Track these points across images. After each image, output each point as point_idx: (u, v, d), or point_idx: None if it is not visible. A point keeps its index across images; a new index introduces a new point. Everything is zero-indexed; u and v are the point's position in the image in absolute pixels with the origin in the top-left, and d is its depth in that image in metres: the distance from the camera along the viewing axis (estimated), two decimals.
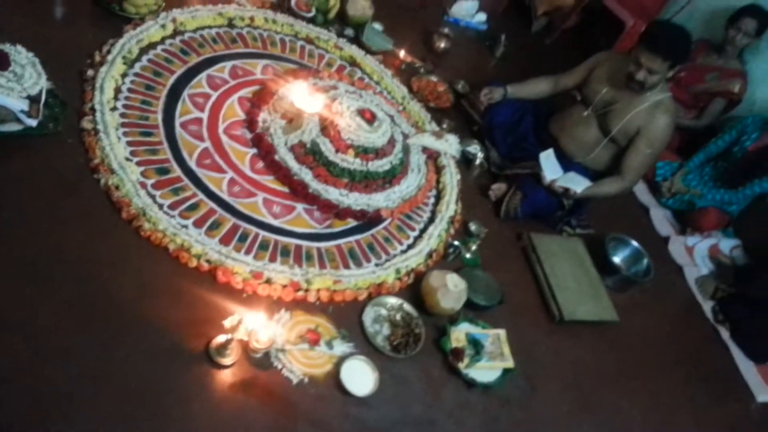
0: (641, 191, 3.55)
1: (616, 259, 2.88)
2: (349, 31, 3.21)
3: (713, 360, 2.85)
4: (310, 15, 3.07)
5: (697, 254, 3.31)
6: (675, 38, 2.50)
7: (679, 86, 3.61)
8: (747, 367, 2.88)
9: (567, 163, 2.82)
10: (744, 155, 3.39)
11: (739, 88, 3.55)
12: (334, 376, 1.87)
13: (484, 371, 2.12)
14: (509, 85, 3.01)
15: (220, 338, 1.75)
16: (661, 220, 3.45)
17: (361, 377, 1.89)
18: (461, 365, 2.08)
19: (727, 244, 3.41)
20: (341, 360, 1.90)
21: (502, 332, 2.24)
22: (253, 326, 1.76)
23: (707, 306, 3.07)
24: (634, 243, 2.93)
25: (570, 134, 2.86)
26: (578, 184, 2.66)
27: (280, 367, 1.81)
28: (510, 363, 2.17)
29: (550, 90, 3.02)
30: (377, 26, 3.30)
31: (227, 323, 1.70)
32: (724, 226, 3.47)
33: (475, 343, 2.14)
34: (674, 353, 2.74)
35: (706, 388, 2.69)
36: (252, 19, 2.86)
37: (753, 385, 2.82)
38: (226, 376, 1.74)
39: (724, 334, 2.97)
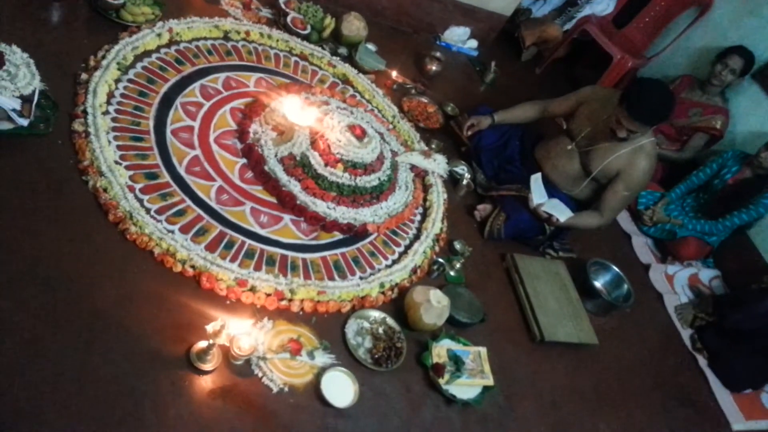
0: (624, 219, 3.60)
1: (598, 284, 2.91)
2: (343, 50, 3.26)
3: (690, 387, 2.88)
4: (305, 32, 3.11)
5: (677, 282, 3.36)
6: (656, 105, 2.51)
7: (679, 151, 3.74)
8: (723, 396, 2.91)
9: (552, 190, 2.87)
10: (724, 188, 3.48)
11: (721, 124, 3.66)
12: (315, 386, 1.87)
13: (464, 388, 2.13)
14: (496, 113, 3.07)
15: (202, 344, 1.75)
16: (642, 247, 3.50)
17: (341, 389, 1.89)
18: (441, 381, 2.08)
19: (707, 274, 3.47)
20: (322, 371, 1.90)
21: (483, 350, 2.25)
22: (235, 333, 1.76)
23: (686, 334, 3.11)
24: (616, 268, 2.98)
25: (554, 164, 2.91)
26: (561, 213, 2.69)
27: (260, 375, 1.81)
28: (490, 381, 2.18)
29: (537, 116, 3.08)
30: (371, 47, 3.36)
31: (209, 328, 1.70)
32: (705, 256, 3.53)
33: (456, 360, 2.15)
34: (652, 378, 2.77)
35: (682, 414, 2.72)
36: (248, 33, 2.90)
37: (729, 413, 2.85)
38: (205, 382, 1.73)
39: (702, 362, 3.00)
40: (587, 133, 2.77)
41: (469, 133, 3.08)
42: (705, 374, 2.95)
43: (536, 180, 2.78)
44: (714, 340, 3.03)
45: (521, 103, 3.11)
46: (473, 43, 4.07)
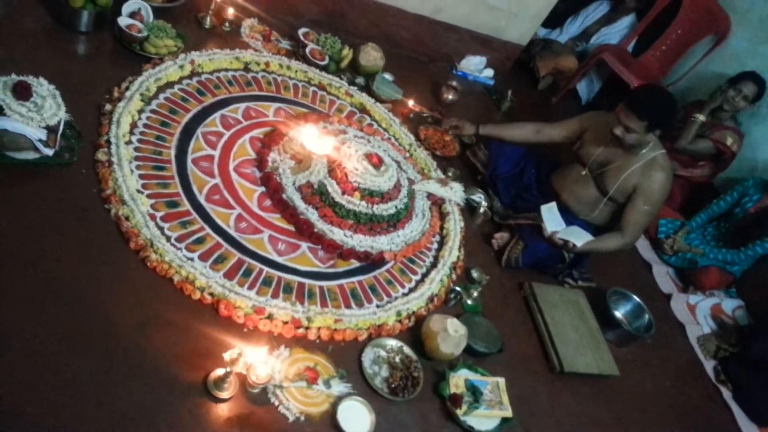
0: (644, 248, 3.56)
1: (618, 314, 2.87)
2: (361, 80, 3.31)
3: (714, 420, 2.81)
4: (323, 63, 3.17)
5: (699, 313, 3.30)
6: (654, 100, 2.56)
7: (674, 142, 3.67)
8: (749, 430, 2.83)
9: (571, 217, 2.86)
10: (745, 216, 3.44)
11: (732, 142, 3.59)
12: (331, 415, 1.85)
13: (482, 419, 2.10)
14: (482, 125, 3.10)
15: (219, 371, 1.75)
16: (663, 277, 3.45)
17: (357, 418, 1.88)
18: (459, 412, 2.05)
19: (730, 304, 3.41)
20: (338, 400, 1.89)
21: (501, 380, 2.22)
22: (252, 361, 1.76)
23: (709, 365, 3.04)
24: (636, 298, 2.94)
25: (570, 191, 2.91)
26: (579, 238, 2.68)
27: (276, 403, 1.80)
28: (508, 412, 2.15)
29: (531, 137, 3.06)
30: (388, 76, 3.40)
31: (227, 356, 1.71)
32: (727, 285, 3.48)
33: (474, 390, 2.12)
34: (674, 411, 2.71)
35: None
36: (267, 64, 2.96)
37: None
38: (222, 410, 1.72)
39: (726, 394, 2.93)
40: (597, 156, 2.78)
41: (450, 132, 3.15)
42: (729, 406, 2.88)
43: (550, 209, 2.77)
44: (738, 371, 2.97)
45: (517, 122, 3.13)
46: (489, 72, 4.11)
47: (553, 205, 2.83)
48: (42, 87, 2.00)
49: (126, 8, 2.61)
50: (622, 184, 2.71)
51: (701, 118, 3.56)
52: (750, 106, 3.59)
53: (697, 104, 3.70)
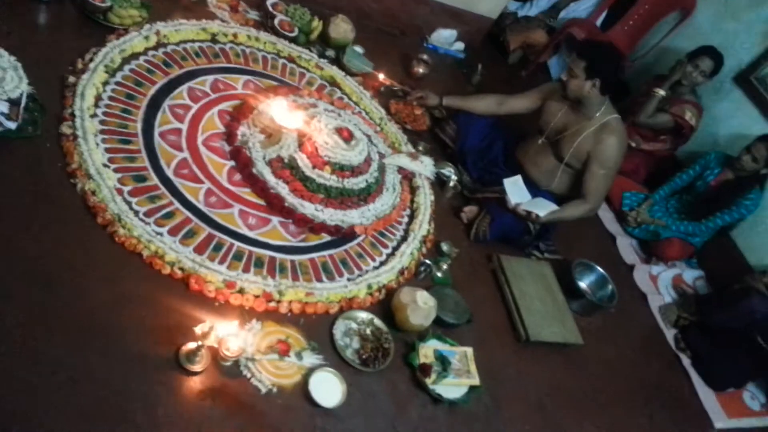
0: (608, 220, 3.65)
1: (582, 284, 2.95)
2: (331, 53, 3.27)
3: (674, 386, 2.92)
4: (292, 35, 3.13)
5: (661, 283, 3.41)
6: (596, 47, 2.72)
7: (635, 116, 3.73)
8: (706, 395, 2.96)
9: (534, 189, 2.91)
10: (706, 189, 3.54)
11: (691, 116, 3.65)
12: (303, 387, 1.88)
13: (451, 388, 2.15)
14: (446, 96, 3.13)
15: (191, 345, 1.76)
16: (627, 248, 3.55)
17: (329, 389, 1.91)
18: (428, 381, 2.10)
19: (691, 275, 3.53)
20: (310, 371, 1.92)
21: (469, 350, 2.28)
22: (223, 334, 1.77)
23: (670, 334, 3.15)
24: (600, 269, 3.01)
25: (533, 162, 2.98)
26: (542, 208, 2.74)
27: (249, 376, 1.82)
28: (476, 380, 2.21)
29: (495, 108, 3.09)
30: (358, 49, 3.38)
31: (198, 330, 1.72)
32: (688, 256, 3.59)
33: (443, 360, 2.17)
34: (636, 378, 2.81)
35: (666, 413, 2.76)
36: (235, 35, 2.91)
37: (712, 412, 2.90)
38: (194, 383, 1.74)
39: (686, 361, 3.05)
40: (555, 123, 2.86)
41: (414, 103, 3.19)
42: (688, 374, 3.00)
43: (514, 182, 2.83)
44: (697, 339, 3.08)
45: (480, 94, 3.17)
46: (460, 46, 4.11)
47: (518, 178, 2.88)
48: (2, 59, 1.96)
49: None
50: (576, 149, 2.78)
51: (661, 93, 3.62)
52: (707, 80, 3.64)
53: (659, 78, 3.75)
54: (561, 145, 2.84)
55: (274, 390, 1.83)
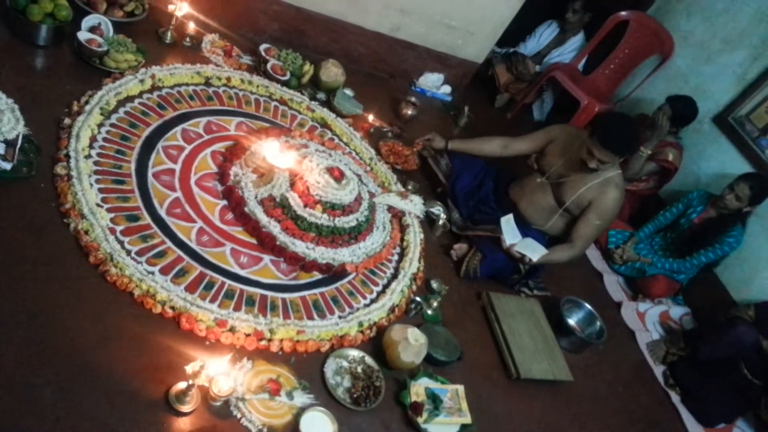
0: (595, 258, 3.69)
1: (571, 321, 2.98)
2: (322, 95, 3.36)
3: (664, 423, 2.92)
4: (284, 78, 3.21)
5: (648, 320, 3.44)
6: (626, 135, 2.71)
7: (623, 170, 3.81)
8: (696, 431, 2.95)
9: (525, 228, 2.96)
10: (690, 227, 3.60)
11: (673, 157, 3.74)
12: (294, 427, 1.87)
13: (443, 426, 2.15)
14: (452, 140, 3.20)
15: (181, 385, 1.76)
16: (614, 285, 3.58)
17: (320, 429, 1.90)
18: (420, 419, 2.10)
19: (678, 312, 3.56)
20: (301, 411, 1.91)
21: (460, 388, 2.28)
22: (214, 373, 1.77)
23: (658, 370, 3.17)
24: (588, 306, 3.04)
25: (528, 200, 3.03)
26: (534, 252, 2.78)
27: (239, 416, 1.81)
28: (468, 419, 2.21)
29: (499, 151, 3.17)
30: (348, 92, 3.46)
31: (189, 369, 1.71)
32: (674, 293, 3.63)
33: (434, 398, 2.17)
34: (626, 414, 2.81)
35: None
36: (229, 79, 2.99)
37: None
38: (183, 424, 1.73)
39: (675, 398, 3.06)
40: (558, 167, 2.90)
41: (422, 143, 3.24)
42: (678, 410, 3.00)
43: (507, 221, 2.87)
44: (685, 374, 3.09)
45: (485, 137, 3.23)
46: (447, 89, 4.22)
47: (510, 217, 2.93)
48: (0, 101, 1.99)
49: (85, 23, 2.61)
50: (579, 198, 2.84)
51: (647, 152, 3.70)
52: (680, 129, 3.76)
53: (641, 118, 3.86)
54: (563, 189, 2.89)
55: (265, 430, 1.82)
